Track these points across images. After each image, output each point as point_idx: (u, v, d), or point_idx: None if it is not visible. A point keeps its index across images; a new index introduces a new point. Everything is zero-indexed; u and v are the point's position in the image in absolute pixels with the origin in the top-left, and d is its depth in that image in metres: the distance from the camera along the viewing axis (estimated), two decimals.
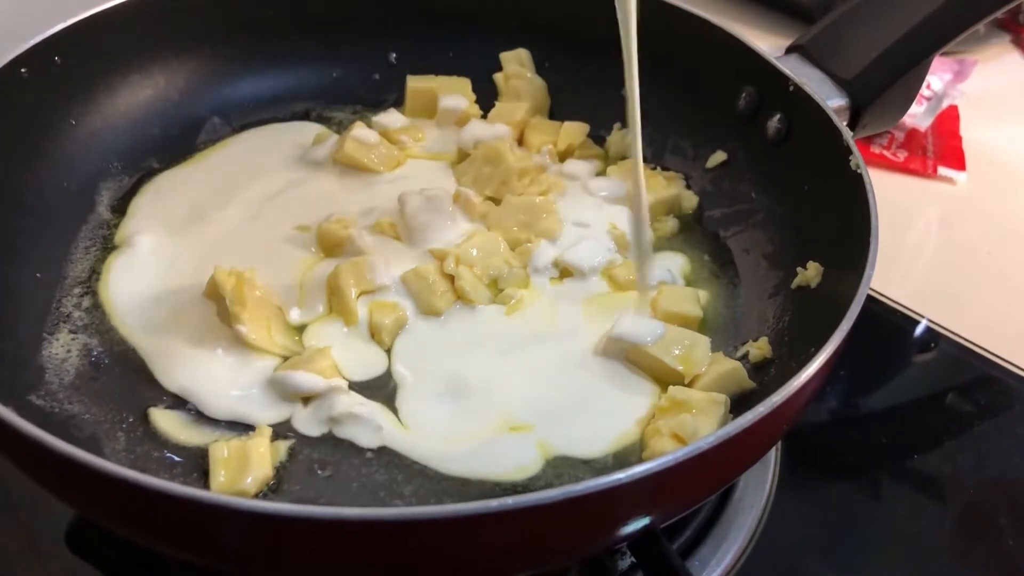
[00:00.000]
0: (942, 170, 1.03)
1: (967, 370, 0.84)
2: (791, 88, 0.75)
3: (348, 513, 0.46)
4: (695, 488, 0.54)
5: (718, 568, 0.67)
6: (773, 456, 0.74)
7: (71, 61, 0.76)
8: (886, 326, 0.87)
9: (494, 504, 0.46)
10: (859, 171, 0.66)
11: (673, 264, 0.77)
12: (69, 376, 0.66)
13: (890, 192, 1.01)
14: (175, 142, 0.84)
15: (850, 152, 0.68)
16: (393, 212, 0.77)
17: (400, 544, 0.47)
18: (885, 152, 1.04)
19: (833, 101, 0.75)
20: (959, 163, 1.04)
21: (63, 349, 0.68)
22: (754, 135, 0.79)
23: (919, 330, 0.87)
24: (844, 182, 0.67)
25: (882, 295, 0.88)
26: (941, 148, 1.06)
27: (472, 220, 0.78)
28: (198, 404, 0.65)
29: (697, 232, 0.80)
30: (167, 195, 0.80)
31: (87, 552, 0.64)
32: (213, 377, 0.66)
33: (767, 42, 1.07)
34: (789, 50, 0.80)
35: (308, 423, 0.64)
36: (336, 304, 0.70)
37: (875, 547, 0.70)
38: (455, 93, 0.87)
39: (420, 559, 0.48)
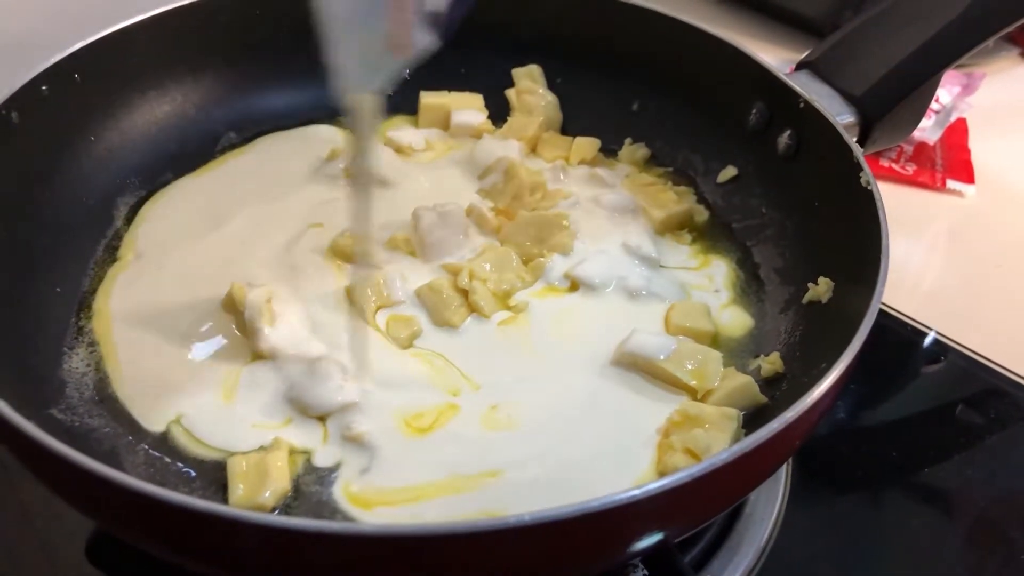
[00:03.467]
0: (951, 183, 1.04)
1: (976, 382, 0.84)
2: (801, 104, 0.75)
3: (365, 529, 0.47)
4: (709, 504, 0.54)
5: None
6: (784, 469, 0.75)
7: (90, 78, 0.77)
8: (895, 338, 0.87)
9: (511, 520, 0.46)
10: (869, 187, 0.67)
11: (718, 272, 0.78)
12: (89, 390, 0.67)
13: (899, 205, 1.01)
14: (192, 158, 0.85)
15: (860, 168, 0.68)
16: (407, 227, 0.78)
17: (416, 559, 0.47)
18: (894, 165, 1.05)
19: (843, 117, 0.75)
20: (968, 176, 1.04)
21: (83, 363, 0.69)
22: (764, 151, 0.80)
23: (928, 342, 0.87)
24: (854, 198, 0.68)
25: (891, 307, 0.89)
26: (950, 161, 1.06)
27: (486, 234, 0.78)
28: (196, 430, 0.65)
29: (723, 242, 0.81)
30: (177, 205, 0.81)
31: (107, 565, 0.64)
32: (214, 400, 0.66)
33: (776, 56, 1.08)
34: (799, 66, 0.80)
35: (323, 455, 0.64)
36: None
37: (886, 560, 0.71)
38: (468, 108, 0.88)
39: (437, 574, 0.49)
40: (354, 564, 0.48)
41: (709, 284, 0.77)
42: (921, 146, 1.07)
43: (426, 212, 0.76)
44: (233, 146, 0.87)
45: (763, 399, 0.66)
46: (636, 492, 0.47)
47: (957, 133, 1.10)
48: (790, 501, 0.73)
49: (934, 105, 1.08)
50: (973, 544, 0.72)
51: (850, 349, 0.55)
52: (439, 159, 0.87)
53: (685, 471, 0.48)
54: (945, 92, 1.10)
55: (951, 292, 0.93)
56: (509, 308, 0.73)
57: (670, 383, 0.67)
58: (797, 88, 0.76)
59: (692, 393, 0.67)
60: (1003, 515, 0.74)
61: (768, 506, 0.72)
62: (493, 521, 0.46)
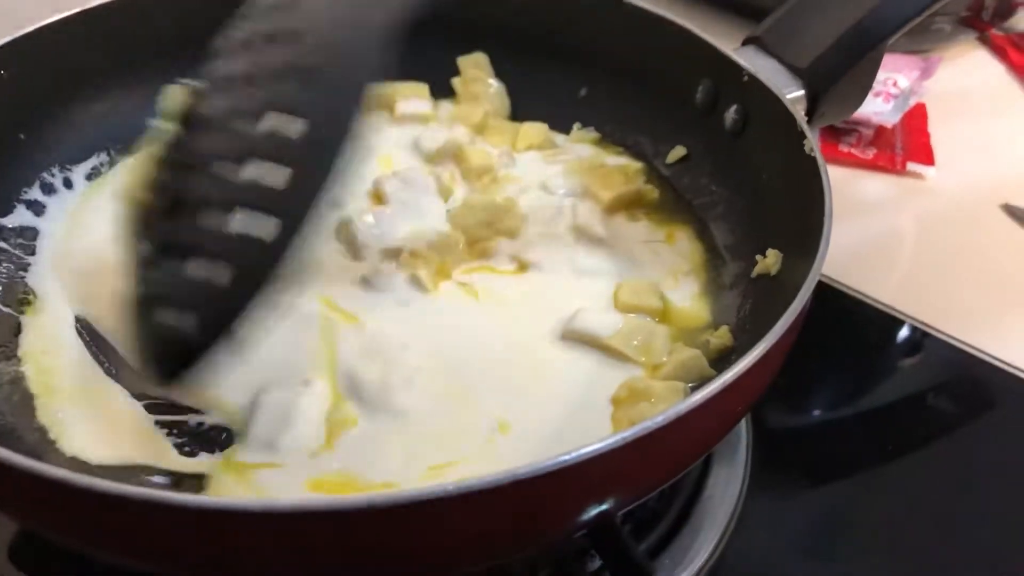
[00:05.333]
0: (911, 166, 1.03)
1: (950, 367, 0.83)
2: (745, 78, 0.74)
3: (282, 504, 0.44)
4: (649, 470, 0.52)
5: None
6: (744, 452, 0.72)
7: (18, 73, 0.75)
8: (864, 323, 0.86)
9: (436, 489, 0.44)
10: (813, 154, 0.66)
11: (683, 249, 0.76)
12: (18, 393, 0.64)
13: (860, 189, 1.01)
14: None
15: (804, 136, 0.67)
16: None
17: (334, 536, 0.45)
18: (854, 150, 1.04)
19: (790, 91, 0.74)
20: (928, 158, 1.04)
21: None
22: (712, 128, 0.79)
23: (900, 328, 0.85)
24: (799, 167, 0.66)
25: (860, 292, 0.87)
26: (910, 144, 1.06)
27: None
28: None
29: (678, 219, 0.79)
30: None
31: (33, 569, 0.62)
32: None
33: (728, 46, 1.07)
34: (745, 42, 0.79)
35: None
36: None
37: (852, 545, 0.69)
38: (413, 97, 0.87)
39: (360, 551, 0.47)
40: (270, 543, 0.45)
41: (680, 264, 0.75)
42: (880, 130, 1.06)
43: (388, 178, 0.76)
44: None
45: (711, 372, 0.64)
46: (566, 457, 0.45)
47: (916, 117, 1.09)
48: (751, 486, 0.71)
49: (892, 90, 1.08)
50: (945, 531, 0.70)
51: (791, 309, 0.54)
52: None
53: (619, 434, 0.46)
54: (903, 77, 1.09)
55: (920, 273, 0.91)
56: (459, 284, 0.72)
57: (620, 358, 0.66)
58: (741, 62, 0.75)
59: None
60: (976, 501, 0.72)
61: (729, 488, 0.70)
62: (414, 492, 0.44)
